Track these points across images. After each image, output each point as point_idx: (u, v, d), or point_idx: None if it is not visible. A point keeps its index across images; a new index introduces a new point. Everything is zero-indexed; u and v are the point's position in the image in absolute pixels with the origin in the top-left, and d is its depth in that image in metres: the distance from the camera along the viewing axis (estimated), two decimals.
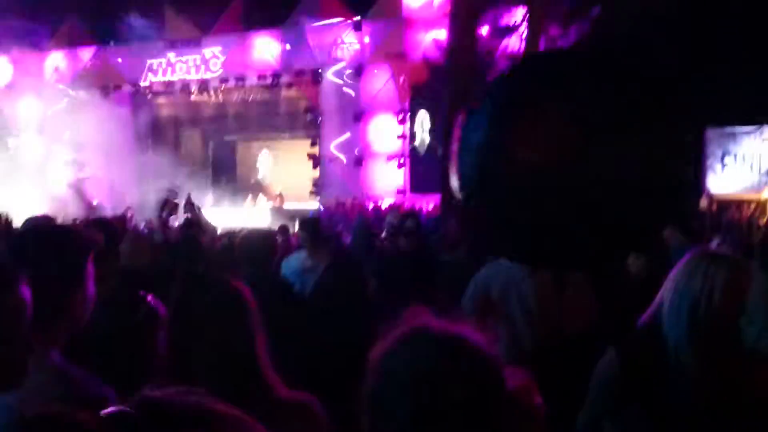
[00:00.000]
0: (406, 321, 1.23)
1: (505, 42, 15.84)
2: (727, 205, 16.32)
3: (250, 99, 25.30)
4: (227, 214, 20.27)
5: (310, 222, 5.71)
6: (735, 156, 17.84)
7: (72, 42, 26.26)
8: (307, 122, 23.58)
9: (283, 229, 9.49)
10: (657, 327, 2.34)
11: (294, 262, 5.25)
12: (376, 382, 1.18)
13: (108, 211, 21.42)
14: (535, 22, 13.04)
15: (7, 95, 26.02)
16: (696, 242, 5.92)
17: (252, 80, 24.06)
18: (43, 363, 1.71)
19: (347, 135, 22.26)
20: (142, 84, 25.31)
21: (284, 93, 24.52)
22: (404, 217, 5.44)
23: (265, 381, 1.83)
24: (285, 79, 23.75)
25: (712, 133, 18.47)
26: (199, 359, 1.77)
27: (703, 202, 15.78)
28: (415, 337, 1.18)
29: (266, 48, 23.60)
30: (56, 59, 26.25)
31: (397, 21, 21.75)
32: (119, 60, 25.55)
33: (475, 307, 3.77)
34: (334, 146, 22.60)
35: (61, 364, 1.80)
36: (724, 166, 18.03)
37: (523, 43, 14.15)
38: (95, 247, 1.86)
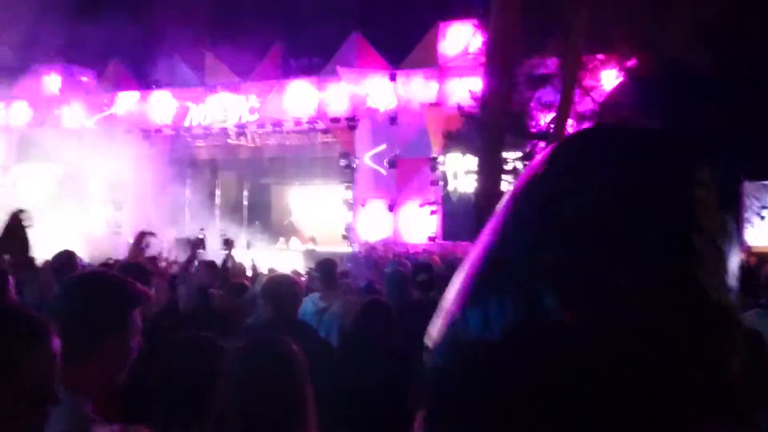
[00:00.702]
0: None
1: (539, 92, 16.01)
2: (765, 258, 16.01)
3: (286, 143, 25.75)
4: (260, 256, 20.41)
5: (324, 264, 5.73)
6: None
7: (116, 85, 27.11)
8: (341, 167, 23.87)
9: (295, 275, 9.59)
10: None
11: (308, 304, 5.23)
12: None
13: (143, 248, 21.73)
14: (569, 73, 13.12)
15: (54, 134, 26.85)
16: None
17: (288, 125, 24.52)
18: (73, 412, 1.69)
19: (381, 179, 22.45)
20: (182, 126, 25.95)
21: (319, 138, 24.91)
22: (417, 269, 5.39)
23: None
24: (320, 125, 24.17)
25: (749, 186, 18.25)
26: (256, 416, 1.75)
27: (742, 256, 15.50)
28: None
29: (303, 94, 24.08)
30: (102, 101, 27.08)
31: (433, 70, 22.08)
32: (160, 103, 26.27)
33: None
34: (367, 190, 22.80)
35: (91, 415, 1.77)
36: (762, 218, 17.77)
37: (557, 94, 14.26)
38: (143, 301, 1.86)
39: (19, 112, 27.86)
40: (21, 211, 3.61)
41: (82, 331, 1.73)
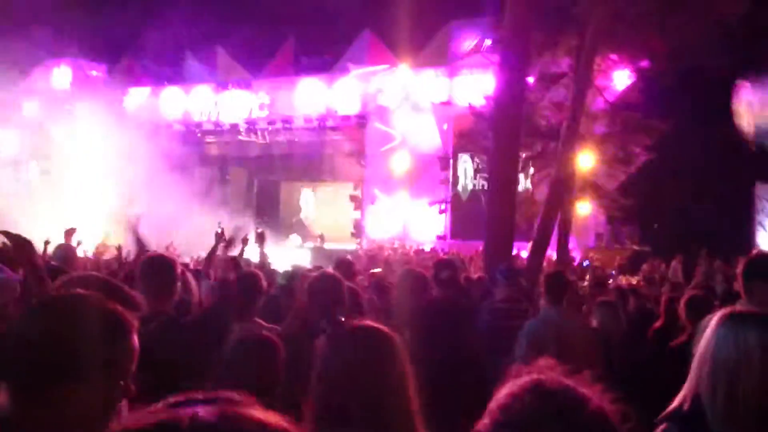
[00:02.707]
0: (524, 373, 1.24)
1: (551, 91, 15.95)
2: None
3: (295, 141, 25.77)
4: (268, 252, 20.44)
5: (345, 263, 5.71)
6: None
7: (127, 80, 27.18)
8: (350, 165, 23.85)
9: (318, 270, 9.57)
10: (697, 404, 2.08)
11: None
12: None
13: (152, 247, 21.81)
14: (582, 72, 13.05)
15: (64, 129, 26.96)
16: None
17: (298, 123, 24.54)
18: None
19: (390, 178, 22.45)
20: (193, 122, 26.02)
21: (329, 136, 24.92)
22: (440, 267, 5.32)
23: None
24: (330, 122, 24.18)
25: (760, 189, 18.15)
26: (355, 409, 1.70)
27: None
28: (532, 390, 1.20)
29: (313, 92, 24.09)
30: (113, 97, 27.14)
31: (444, 68, 22.06)
32: (171, 99, 26.33)
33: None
34: (376, 189, 22.81)
35: None
36: None
37: (569, 93, 14.19)
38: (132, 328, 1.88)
39: (30, 106, 27.96)
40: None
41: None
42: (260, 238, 6.64)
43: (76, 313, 1.43)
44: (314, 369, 1.76)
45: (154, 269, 3.20)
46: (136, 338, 1.49)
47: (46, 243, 9.62)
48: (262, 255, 6.59)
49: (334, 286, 3.60)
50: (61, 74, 27.68)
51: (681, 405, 2.11)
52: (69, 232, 7.48)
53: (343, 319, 1.85)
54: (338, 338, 1.80)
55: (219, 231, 6.50)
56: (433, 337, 4.21)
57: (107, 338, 1.43)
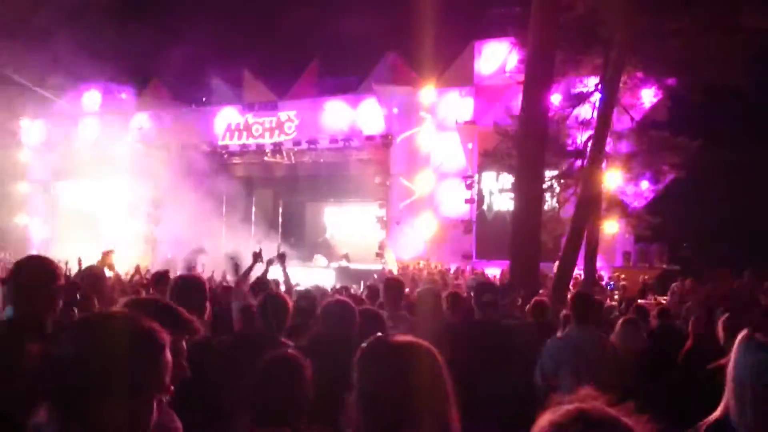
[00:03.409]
0: (571, 401, 1.24)
1: (577, 110, 15.88)
2: None
3: (320, 161, 25.94)
4: (294, 272, 20.51)
5: (395, 284, 5.65)
6: None
7: (154, 102, 27.62)
8: (375, 185, 23.93)
9: (344, 290, 9.59)
10: (728, 422, 2.11)
11: None
12: None
13: (179, 264, 22.04)
14: (607, 91, 13.00)
15: (93, 151, 27.44)
16: None
17: (323, 143, 24.70)
18: None
19: (414, 198, 22.46)
20: (219, 144, 26.32)
21: (354, 156, 25.03)
22: (482, 290, 5.29)
23: None
24: (355, 143, 24.30)
25: None
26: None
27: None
28: (576, 419, 1.19)
29: (338, 112, 24.27)
30: (141, 119, 27.61)
31: (468, 88, 22.10)
32: (198, 120, 26.69)
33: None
34: (401, 208, 22.83)
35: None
36: None
37: (596, 112, 14.12)
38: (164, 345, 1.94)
39: (59, 128, 28.52)
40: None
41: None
42: (281, 259, 6.66)
43: (106, 333, 1.49)
44: (353, 384, 1.77)
45: (185, 289, 3.24)
46: (169, 355, 1.53)
47: (80, 261, 9.78)
48: (286, 275, 6.60)
49: (345, 314, 3.64)
50: (91, 97, 28.22)
51: (712, 422, 2.12)
52: (106, 254, 7.61)
53: (380, 335, 1.86)
54: (376, 352, 1.80)
55: (257, 251, 6.54)
56: (477, 360, 4.21)
57: (139, 355, 1.47)
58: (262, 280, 6.64)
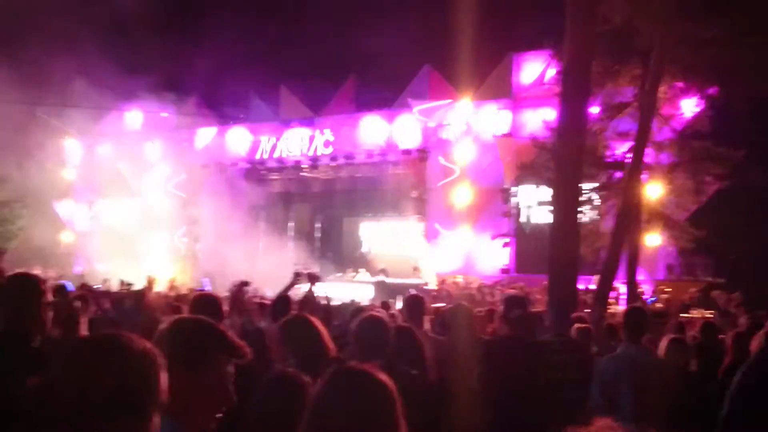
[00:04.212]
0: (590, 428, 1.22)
1: (615, 121, 15.66)
2: None
3: (357, 176, 26.03)
4: (332, 287, 20.55)
5: (413, 300, 5.58)
6: None
7: (194, 120, 28.07)
8: (412, 199, 23.88)
9: (385, 306, 9.50)
10: None
11: None
12: None
13: (218, 279, 22.28)
14: (647, 101, 12.79)
15: (135, 169, 28.01)
16: None
17: (360, 158, 24.79)
18: None
19: (452, 211, 22.36)
20: (257, 160, 26.62)
21: (391, 170, 25.06)
22: (511, 305, 5.10)
23: None
24: (392, 157, 24.33)
25: None
26: None
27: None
28: None
29: (375, 127, 24.34)
30: (181, 137, 28.05)
31: (506, 101, 21.97)
32: (237, 138, 27.04)
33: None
34: (438, 222, 22.74)
35: None
36: None
37: (634, 123, 13.90)
38: (235, 353, 1.94)
39: (103, 147, 29.17)
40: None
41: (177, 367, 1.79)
42: (312, 279, 6.62)
43: (106, 355, 1.48)
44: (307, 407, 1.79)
45: (200, 307, 3.25)
46: (164, 375, 1.53)
47: (123, 283, 10.02)
48: (311, 294, 6.56)
49: (378, 330, 3.58)
50: (133, 117, 28.81)
51: None
52: (151, 281, 7.78)
53: (345, 362, 1.85)
54: (331, 381, 1.80)
55: (298, 270, 6.52)
56: (501, 377, 4.13)
57: (140, 376, 1.48)
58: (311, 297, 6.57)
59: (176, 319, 2.17)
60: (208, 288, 17.30)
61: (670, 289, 17.14)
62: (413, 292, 6.98)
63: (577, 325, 6.41)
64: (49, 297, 2.92)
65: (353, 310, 6.13)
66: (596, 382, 4.57)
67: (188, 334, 1.97)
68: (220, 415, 1.90)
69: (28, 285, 2.89)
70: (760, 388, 3.66)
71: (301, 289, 6.95)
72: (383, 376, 1.77)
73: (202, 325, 2.05)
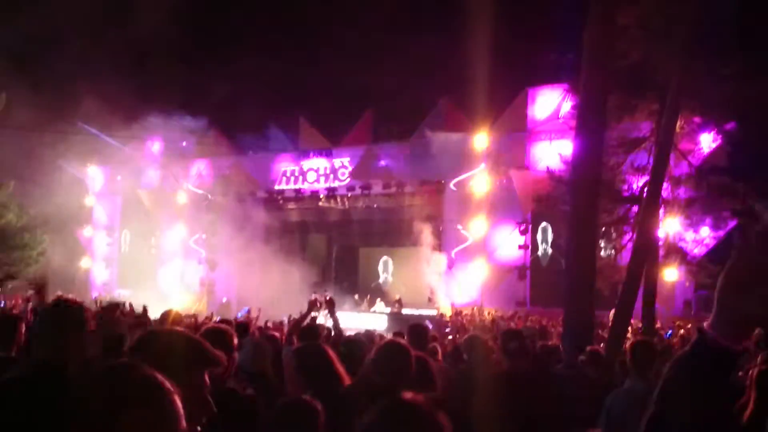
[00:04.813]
0: None
1: (632, 155, 15.66)
2: None
3: (374, 206, 26.14)
4: (347, 317, 20.54)
5: (416, 329, 5.58)
6: None
7: (213, 150, 28.39)
8: (428, 230, 23.92)
9: (398, 337, 9.48)
10: None
11: None
12: None
13: (234, 307, 22.33)
14: (664, 136, 12.79)
15: (153, 198, 28.32)
16: None
17: (377, 189, 24.92)
18: None
19: (468, 244, 22.34)
20: (275, 190, 26.83)
21: (407, 201, 25.14)
22: (508, 338, 5.07)
23: None
24: (409, 188, 24.44)
25: None
26: None
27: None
28: None
29: (392, 158, 24.49)
30: (200, 166, 28.39)
31: (522, 134, 22.05)
32: (255, 168, 27.31)
33: None
34: (454, 254, 22.72)
35: None
36: None
37: (651, 158, 13.90)
38: (211, 363, 1.97)
39: (123, 176, 29.55)
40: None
41: None
42: (330, 305, 6.61)
43: (105, 382, 1.50)
44: None
45: (209, 341, 3.25)
46: (177, 401, 1.51)
47: (145, 309, 10.19)
48: (336, 321, 6.54)
49: (399, 357, 3.55)
50: (154, 145, 29.19)
51: None
52: (166, 314, 7.81)
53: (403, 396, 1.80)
54: (386, 413, 1.75)
55: (313, 298, 6.52)
56: (502, 411, 4.10)
57: (139, 404, 1.45)
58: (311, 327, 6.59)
59: (151, 331, 2.15)
60: (244, 314, 17.35)
61: (690, 325, 16.95)
62: (419, 321, 6.96)
63: (588, 348, 6.35)
64: (92, 326, 2.81)
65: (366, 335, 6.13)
66: (603, 418, 4.52)
67: (167, 346, 1.95)
68: (199, 428, 1.88)
69: (68, 314, 2.75)
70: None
71: (317, 316, 6.96)
72: (440, 414, 1.73)
73: (180, 336, 2.04)
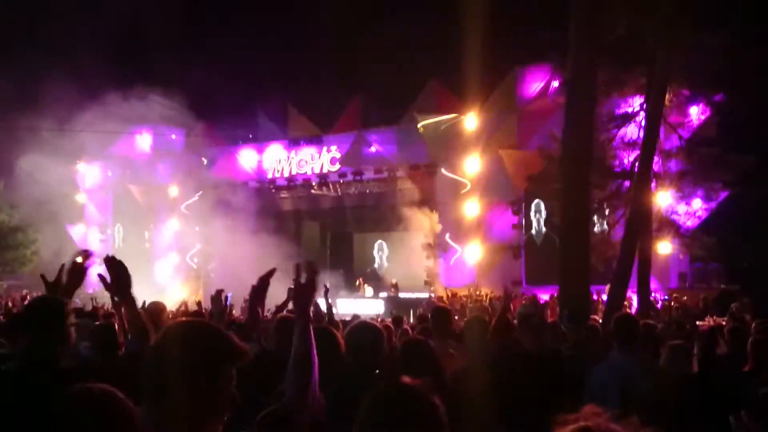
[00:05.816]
0: (576, 419, 1.23)
1: (622, 130, 15.66)
2: None
3: (366, 192, 26.11)
4: (343, 303, 20.57)
5: (440, 312, 5.51)
6: None
7: (204, 142, 28.26)
8: (421, 213, 23.92)
9: (397, 320, 9.45)
10: None
11: None
12: None
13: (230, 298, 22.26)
14: (652, 110, 12.78)
15: (146, 191, 28.20)
16: None
17: (368, 174, 24.88)
18: None
19: (461, 225, 22.35)
20: (267, 179, 26.75)
21: (399, 186, 25.12)
22: (528, 315, 5.01)
23: None
24: (400, 173, 24.40)
25: None
26: None
27: None
28: None
29: (382, 143, 24.43)
30: (191, 159, 28.22)
31: (512, 113, 22.01)
32: (246, 158, 27.20)
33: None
34: (448, 236, 22.73)
35: None
36: None
37: (641, 131, 13.90)
38: (239, 358, 1.95)
39: (113, 171, 29.41)
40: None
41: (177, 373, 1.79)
42: (324, 293, 6.57)
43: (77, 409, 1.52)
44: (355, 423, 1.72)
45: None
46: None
47: (144, 304, 10.15)
48: (329, 308, 6.51)
49: (367, 336, 3.56)
50: (143, 140, 29.02)
51: None
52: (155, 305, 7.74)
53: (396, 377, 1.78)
54: (379, 397, 1.74)
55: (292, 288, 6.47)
56: (518, 389, 4.12)
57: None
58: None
59: (183, 323, 2.07)
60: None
61: (684, 298, 17.05)
62: (435, 302, 6.95)
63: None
64: (72, 319, 2.92)
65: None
66: (586, 393, 4.54)
67: (200, 341, 1.90)
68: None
69: (49, 308, 2.88)
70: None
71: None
72: (434, 397, 1.72)
73: (212, 331, 1.98)
